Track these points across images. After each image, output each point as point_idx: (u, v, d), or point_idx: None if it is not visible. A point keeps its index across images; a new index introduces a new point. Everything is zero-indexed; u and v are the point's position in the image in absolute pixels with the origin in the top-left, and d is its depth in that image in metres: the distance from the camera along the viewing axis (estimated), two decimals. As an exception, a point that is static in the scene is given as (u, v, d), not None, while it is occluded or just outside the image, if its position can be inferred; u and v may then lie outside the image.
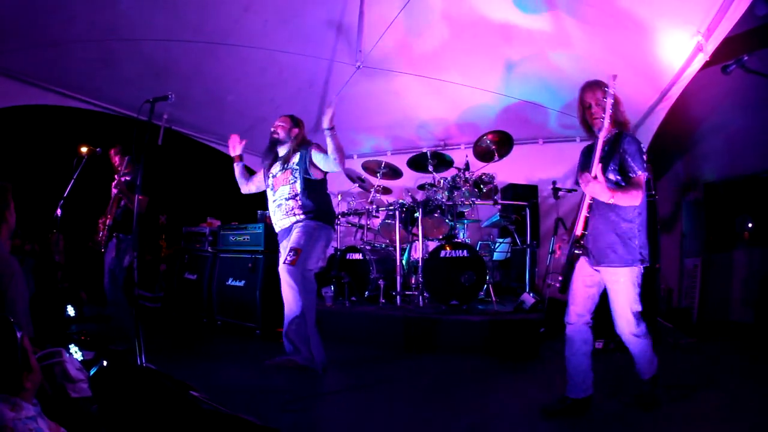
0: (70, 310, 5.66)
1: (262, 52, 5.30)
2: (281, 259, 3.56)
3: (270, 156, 3.81)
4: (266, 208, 3.87)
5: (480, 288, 4.74)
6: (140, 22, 4.52)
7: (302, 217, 3.52)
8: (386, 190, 6.42)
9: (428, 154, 5.70)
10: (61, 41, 4.55)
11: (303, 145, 3.73)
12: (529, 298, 4.71)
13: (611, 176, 2.66)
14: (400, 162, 6.26)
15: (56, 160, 5.35)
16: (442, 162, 5.82)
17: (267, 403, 2.95)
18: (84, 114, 5.78)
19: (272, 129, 3.76)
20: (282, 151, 3.75)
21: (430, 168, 5.71)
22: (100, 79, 5.31)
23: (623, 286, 2.61)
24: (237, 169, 3.94)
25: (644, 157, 2.61)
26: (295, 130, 3.77)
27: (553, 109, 6.36)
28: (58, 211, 4.35)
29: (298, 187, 3.57)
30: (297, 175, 3.59)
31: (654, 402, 2.75)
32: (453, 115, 6.96)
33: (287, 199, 3.59)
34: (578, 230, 2.67)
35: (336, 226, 5.35)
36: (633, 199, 2.55)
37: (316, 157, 3.58)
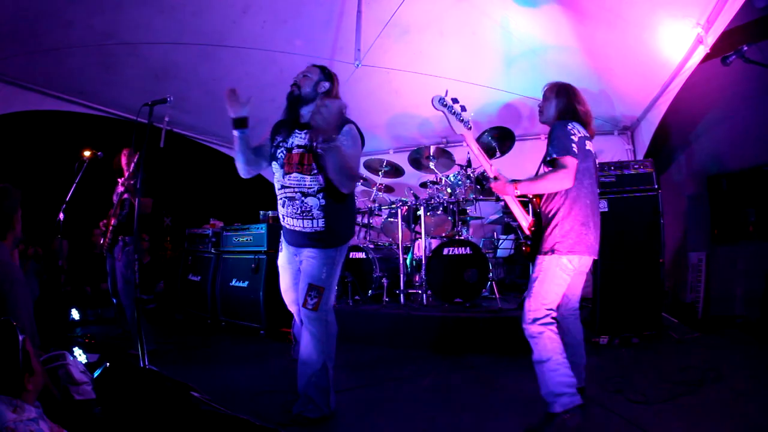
0: (74, 314, 5.69)
1: (262, 53, 5.30)
2: (284, 270, 2.86)
3: (286, 124, 2.69)
4: (268, 208, 3.48)
5: (483, 285, 4.75)
6: (139, 25, 4.53)
7: (321, 229, 2.57)
8: (389, 189, 6.42)
9: (431, 150, 5.68)
10: (60, 46, 4.57)
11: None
12: (532, 294, 4.69)
13: (543, 170, 2.65)
14: (402, 160, 6.25)
15: (58, 165, 5.37)
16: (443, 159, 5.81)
17: (271, 403, 2.96)
18: (84, 118, 5.81)
19: (293, 83, 2.64)
20: (305, 115, 2.61)
21: (431, 165, 5.70)
22: (99, 83, 5.33)
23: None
24: (237, 139, 2.66)
25: (571, 139, 2.44)
26: (326, 84, 2.67)
27: (554, 105, 6.34)
28: (61, 216, 4.38)
29: (323, 178, 2.54)
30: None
31: None
32: (454, 112, 6.94)
33: (305, 195, 2.54)
34: (526, 228, 2.82)
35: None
36: (549, 183, 2.44)
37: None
